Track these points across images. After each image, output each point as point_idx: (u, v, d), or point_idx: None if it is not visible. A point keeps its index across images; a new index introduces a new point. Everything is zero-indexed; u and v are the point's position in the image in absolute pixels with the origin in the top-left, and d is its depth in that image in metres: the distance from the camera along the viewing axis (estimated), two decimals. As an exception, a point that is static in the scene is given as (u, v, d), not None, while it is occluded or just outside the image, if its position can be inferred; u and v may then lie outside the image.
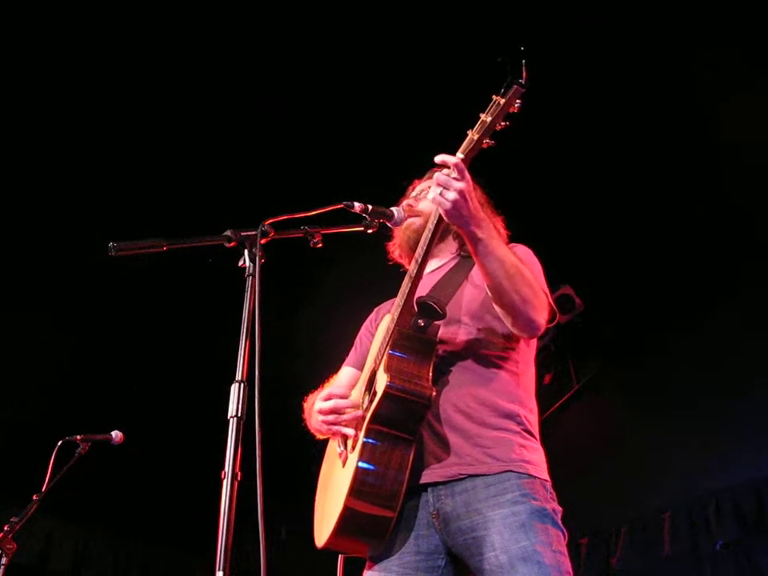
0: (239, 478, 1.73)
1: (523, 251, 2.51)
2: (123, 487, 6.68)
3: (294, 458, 5.54)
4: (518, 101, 2.05)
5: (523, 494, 2.16)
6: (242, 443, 1.76)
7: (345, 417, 2.31)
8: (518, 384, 2.38)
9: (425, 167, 2.94)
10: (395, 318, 2.30)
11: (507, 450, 2.23)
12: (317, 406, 2.38)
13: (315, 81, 5.14)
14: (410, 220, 2.59)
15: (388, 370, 2.21)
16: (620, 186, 5.38)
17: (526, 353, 2.46)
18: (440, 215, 2.16)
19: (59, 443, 3.79)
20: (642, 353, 6.01)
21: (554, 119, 4.68)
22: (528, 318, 2.23)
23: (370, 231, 2.41)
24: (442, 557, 2.21)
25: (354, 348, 2.79)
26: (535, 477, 2.23)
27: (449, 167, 2.08)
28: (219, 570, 1.64)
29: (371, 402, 2.25)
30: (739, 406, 5.20)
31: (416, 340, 2.28)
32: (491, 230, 2.17)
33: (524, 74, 2.02)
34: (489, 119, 2.06)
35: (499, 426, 2.27)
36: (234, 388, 1.83)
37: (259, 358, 1.84)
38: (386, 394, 2.17)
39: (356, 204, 2.35)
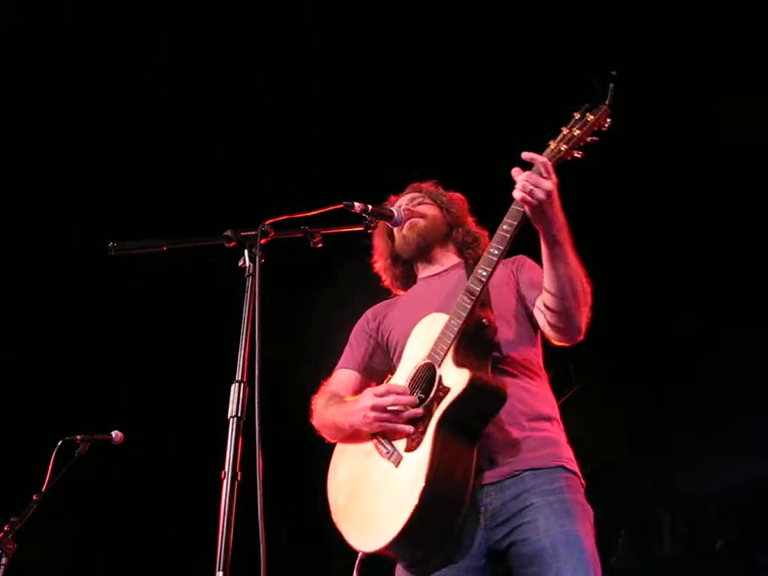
0: (239, 478, 1.73)
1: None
2: (123, 487, 6.67)
3: (295, 458, 5.54)
4: (607, 120, 2.14)
5: (569, 485, 2.23)
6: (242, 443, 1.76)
7: (406, 414, 2.21)
8: (548, 388, 2.45)
9: (424, 167, 2.93)
10: (464, 314, 2.20)
11: (556, 449, 2.31)
12: (368, 402, 2.25)
13: (315, 81, 5.14)
14: (413, 220, 2.59)
15: (462, 365, 2.17)
16: (620, 186, 5.37)
17: (541, 360, 2.50)
18: (521, 214, 2.15)
19: (59, 443, 3.78)
20: (641, 353, 6.00)
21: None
22: (576, 325, 2.27)
23: (370, 231, 2.42)
24: (483, 559, 2.20)
25: (349, 351, 2.70)
26: (577, 476, 2.31)
27: (538, 166, 2.09)
28: (219, 570, 1.65)
29: (437, 399, 2.16)
30: (739, 406, 5.20)
31: (481, 339, 2.27)
32: (568, 235, 2.20)
33: (609, 97, 2.13)
34: (576, 132, 2.13)
35: (543, 428, 2.34)
36: (234, 388, 1.83)
37: (259, 357, 1.84)
38: (469, 387, 2.12)
39: (356, 204, 2.36)
